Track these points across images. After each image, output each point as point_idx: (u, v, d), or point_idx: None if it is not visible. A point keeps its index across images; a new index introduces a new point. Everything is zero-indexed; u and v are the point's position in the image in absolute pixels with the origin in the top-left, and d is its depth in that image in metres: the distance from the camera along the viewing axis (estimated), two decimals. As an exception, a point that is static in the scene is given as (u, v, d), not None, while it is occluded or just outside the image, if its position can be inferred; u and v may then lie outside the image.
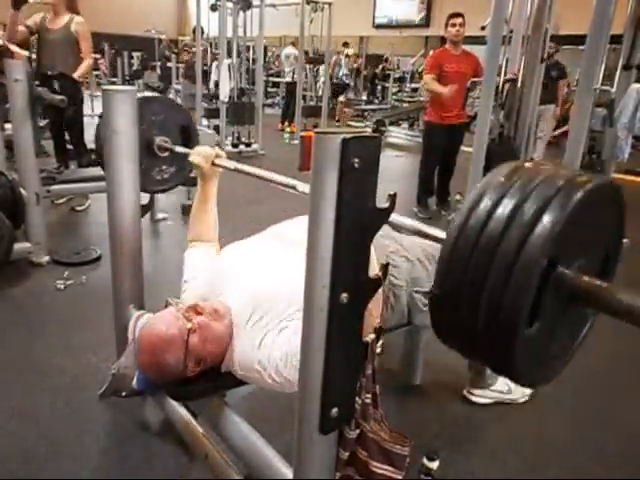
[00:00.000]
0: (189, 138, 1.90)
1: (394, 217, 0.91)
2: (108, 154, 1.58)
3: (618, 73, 3.25)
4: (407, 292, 1.66)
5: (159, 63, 12.64)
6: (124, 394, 1.67)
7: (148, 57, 13.43)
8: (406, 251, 1.71)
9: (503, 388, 1.99)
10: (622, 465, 1.74)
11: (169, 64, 11.39)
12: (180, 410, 1.59)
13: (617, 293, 0.68)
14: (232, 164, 1.56)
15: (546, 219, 0.65)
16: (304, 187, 1.14)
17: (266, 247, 1.57)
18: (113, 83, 11.32)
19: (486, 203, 0.70)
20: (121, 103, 1.53)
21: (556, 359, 0.82)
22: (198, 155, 1.60)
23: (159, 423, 1.79)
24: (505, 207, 0.68)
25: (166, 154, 1.84)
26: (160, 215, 3.93)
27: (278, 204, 3.01)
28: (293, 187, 1.23)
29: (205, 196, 1.67)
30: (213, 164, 1.59)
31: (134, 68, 12.93)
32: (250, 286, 1.42)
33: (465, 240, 0.71)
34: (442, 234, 0.86)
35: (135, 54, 13.06)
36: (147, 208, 3.49)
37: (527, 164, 0.77)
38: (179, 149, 1.77)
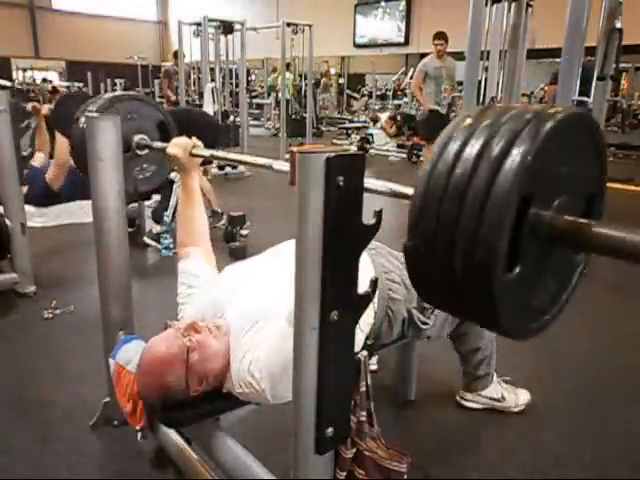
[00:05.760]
0: (167, 133, 1.84)
1: (367, 181, 0.86)
2: (93, 181, 1.58)
3: (594, 84, 3.31)
4: (405, 306, 1.65)
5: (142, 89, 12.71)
6: (116, 423, 1.64)
7: (131, 83, 13.49)
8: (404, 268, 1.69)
9: (496, 395, 1.98)
10: (621, 474, 1.74)
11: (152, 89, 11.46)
12: (174, 437, 1.56)
13: (598, 228, 0.65)
14: (209, 152, 1.56)
15: (515, 152, 0.62)
16: (280, 165, 1.14)
17: (264, 266, 1.57)
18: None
19: (453, 146, 0.68)
20: (105, 130, 1.53)
21: (544, 309, 0.78)
22: (175, 146, 1.57)
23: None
24: (473, 146, 0.66)
25: (145, 152, 1.80)
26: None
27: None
28: (270, 167, 1.22)
29: (187, 191, 1.65)
30: (191, 154, 1.57)
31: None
32: (249, 305, 1.42)
33: (435, 185, 0.67)
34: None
35: (118, 80, 13.10)
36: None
37: (495, 105, 0.74)
38: (157, 144, 1.73)
